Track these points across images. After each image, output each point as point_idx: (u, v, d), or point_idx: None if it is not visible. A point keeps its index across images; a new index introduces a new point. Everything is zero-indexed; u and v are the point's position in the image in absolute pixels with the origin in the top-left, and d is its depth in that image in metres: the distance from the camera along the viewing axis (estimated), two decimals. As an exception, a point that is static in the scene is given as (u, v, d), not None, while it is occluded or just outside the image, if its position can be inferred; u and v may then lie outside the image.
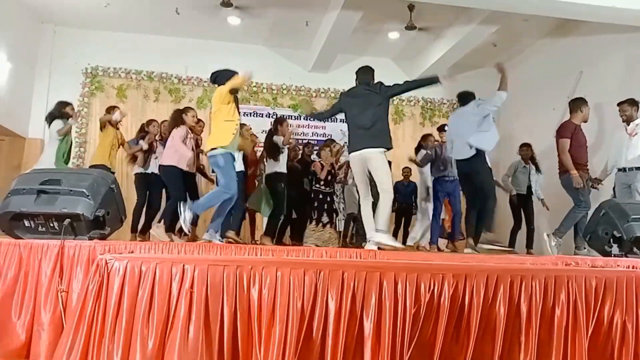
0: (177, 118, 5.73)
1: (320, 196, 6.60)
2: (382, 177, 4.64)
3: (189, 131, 5.71)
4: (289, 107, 8.81)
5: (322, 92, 8.90)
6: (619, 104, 5.57)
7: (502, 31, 7.42)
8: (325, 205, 6.60)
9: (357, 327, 2.47)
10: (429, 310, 2.51)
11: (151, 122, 6.59)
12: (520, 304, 2.59)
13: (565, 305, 2.61)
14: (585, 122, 5.50)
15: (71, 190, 3.58)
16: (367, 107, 4.69)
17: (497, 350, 2.53)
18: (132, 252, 3.34)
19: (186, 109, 5.90)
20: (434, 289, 2.55)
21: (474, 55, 8.25)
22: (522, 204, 6.86)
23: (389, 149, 4.69)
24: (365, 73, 4.95)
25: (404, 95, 9.08)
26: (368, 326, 2.48)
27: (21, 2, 7.38)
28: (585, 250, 5.18)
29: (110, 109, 6.45)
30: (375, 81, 4.90)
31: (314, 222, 6.51)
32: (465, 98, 5.74)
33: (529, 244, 6.76)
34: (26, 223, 3.59)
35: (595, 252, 4.94)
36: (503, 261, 3.99)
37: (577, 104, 5.54)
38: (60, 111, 6.05)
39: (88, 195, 3.56)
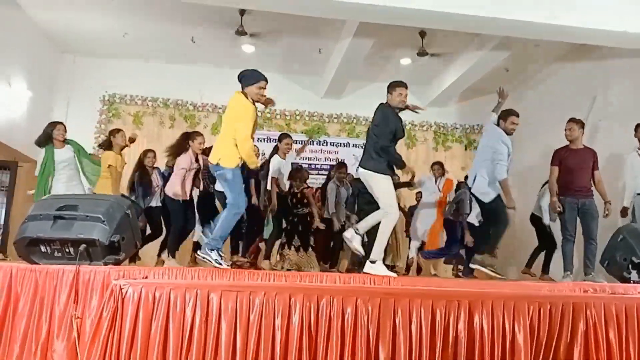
0: (182, 144, 5.61)
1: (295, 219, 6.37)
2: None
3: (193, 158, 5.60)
4: (302, 133, 8.87)
5: (335, 118, 8.97)
6: (638, 126, 5.53)
7: (514, 56, 7.45)
8: (300, 226, 6.39)
9: (373, 354, 2.44)
10: (446, 337, 2.48)
11: (147, 152, 6.40)
12: (540, 330, 2.54)
13: (585, 332, 2.56)
14: (571, 141, 5.42)
15: (87, 216, 3.61)
16: None
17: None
18: (145, 277, 3.35)
19: (194, 134, 5.71)
20: (449, 316, 2.52)
21: (486, 81, 8.27)
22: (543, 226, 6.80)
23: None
24: None
25: (417, 120, 9.12)
26: (383, 353, 2.44)
27: (42, 33, 7.59)
28: (591, 276, 5.07)
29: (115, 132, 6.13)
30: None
31: (286, 247, 6.30)
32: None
33: (545, 269, 6.70)
34: (42, 248, 3.62)
35: (602, 279, 4.89)
36: (519, 287, 3.92)
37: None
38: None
39: (104, 221, 3.59)
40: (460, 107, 9.25)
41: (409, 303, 2.52)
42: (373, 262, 4.27)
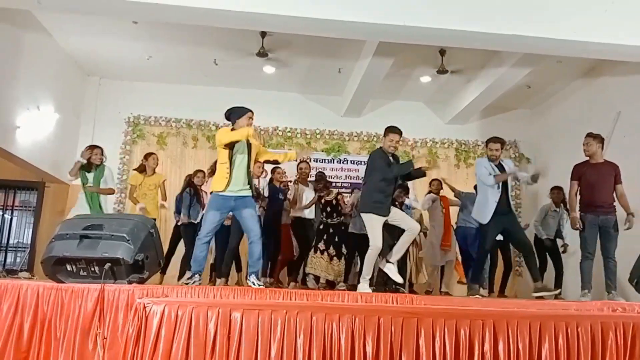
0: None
1: (331, 229, 6.57)
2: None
3: None
4: (323, 151, 8.91)
5: (355, 136, 8.99)
6: None
7: (535, 73, 7.40)
8: (336, 237, 6.54)
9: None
10: (471, 357, 2.43)
11: (197, 172, 6.89)
12: (568, 351, 2.47)
13: (615, 352, 2.48)
14: (589, 156, 5.38)
15: (112, 235, 3.67)
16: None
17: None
18: (166, 295, 3.38)
19: None
20: (474, 336, 2.48)
21: (508, 97, 8.23)
22: (550, 247, 6.70)
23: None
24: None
25: (438, 137, 9.09)
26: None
27: (69, 57, 7.82)
28: (612, 294, 4.97)
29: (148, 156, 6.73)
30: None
31: (319, 252, 6.42)
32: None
33: (558, 287, 6.54)
34: (68, 267, 3.68)
35: (620, 298, 4.85)
36: (546, 307, 3.84)
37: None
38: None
39: (128, 240, 3.65)
40: (482, 124, 9.19)
41: (432, 322, 2.49)
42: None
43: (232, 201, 4.62)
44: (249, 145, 4.75)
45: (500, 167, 5.32)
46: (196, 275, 4.57)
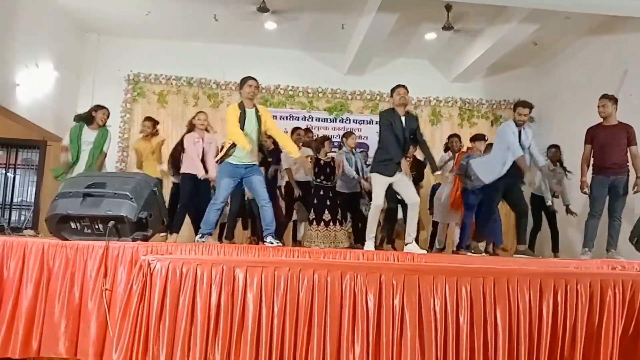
0: (189, 124, 6.07)
1: (322, 192, 6.47)
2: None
3: (198, 136, 5.89)
4: (325, 110, 8.83)
5: (358, 95, 8.89)
6: None
7: (542, 29, 7.23)
8: (328, 201, 6.45)
9: (399, 330, 2.46)
10: (472, 314, 2.47)
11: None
12: (567, 308, 2.51)
13: (613, 309, 2.52)
14: (604, 118, 5.28)
15: (115, 193, 3.69)
16: None
17: (545, 354, 2.47)
18: (171, 253, 3.42)
19: (197, 113, 6.10)
20: (474, 293, 2.51)
21: (514, 55, 8.08)
22: (544, 206, 6.62)
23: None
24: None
25: (442, 96, 8.98)
26: (410, 330, 2.45)
27: (67, 13, 7.65)
28: (611, 253, 5.02)
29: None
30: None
31: (315, 223, 6.31)
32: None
33: (555, 248, 6.62)
34: (72, 225, 3.71)
35: (620, 257, 4.86)
36: (546, 264, 3.89)
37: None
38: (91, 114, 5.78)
39: (131, 198, 3.66)
40: (487, 83, 9.07)
41: (433, 280, 2.52)
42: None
43: (242, 169, 4.81)
44: (259, 118, 4.86)
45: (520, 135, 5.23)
46: (205, 236, 4.76)
